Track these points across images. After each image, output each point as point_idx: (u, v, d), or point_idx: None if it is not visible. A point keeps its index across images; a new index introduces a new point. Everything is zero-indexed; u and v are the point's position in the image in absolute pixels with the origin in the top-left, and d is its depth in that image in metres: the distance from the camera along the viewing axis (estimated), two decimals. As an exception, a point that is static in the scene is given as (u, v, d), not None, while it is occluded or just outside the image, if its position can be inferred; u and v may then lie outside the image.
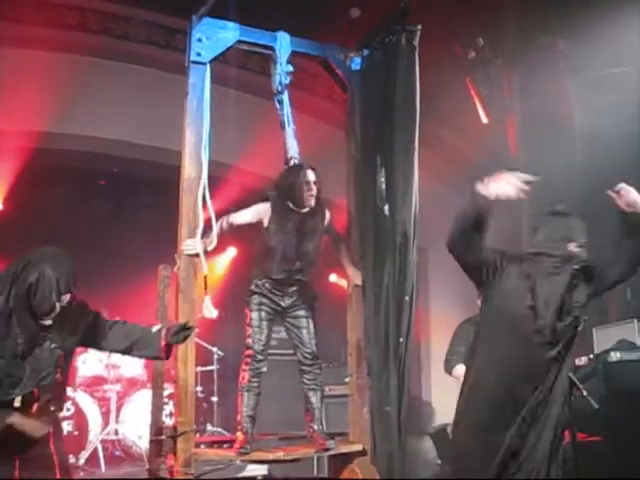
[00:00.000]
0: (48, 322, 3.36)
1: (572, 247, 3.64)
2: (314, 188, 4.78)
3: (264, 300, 4.82)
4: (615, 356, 6.23)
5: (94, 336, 3.68)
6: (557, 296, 3.61)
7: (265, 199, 4.87)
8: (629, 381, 5.89)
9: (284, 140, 5.09)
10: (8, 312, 3.27)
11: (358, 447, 4.91)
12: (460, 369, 5.54)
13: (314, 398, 4.88)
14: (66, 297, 3.38)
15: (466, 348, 5.47)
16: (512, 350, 3.63)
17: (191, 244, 4.54)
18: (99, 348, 3.94)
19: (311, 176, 4.80)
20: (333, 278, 8.97)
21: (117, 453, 7.43)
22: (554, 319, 3.59)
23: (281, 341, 6.23)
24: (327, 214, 4.97)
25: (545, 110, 7.72)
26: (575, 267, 3.64)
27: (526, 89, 8.09)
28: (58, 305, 3.34)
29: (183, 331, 3.76)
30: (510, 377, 3.62)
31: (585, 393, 4.68)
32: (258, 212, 4.86)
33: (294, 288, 4.87)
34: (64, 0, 7.44)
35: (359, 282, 5.07)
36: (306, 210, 4.82)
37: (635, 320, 6.88)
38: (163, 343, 3.71)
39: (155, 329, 3.78)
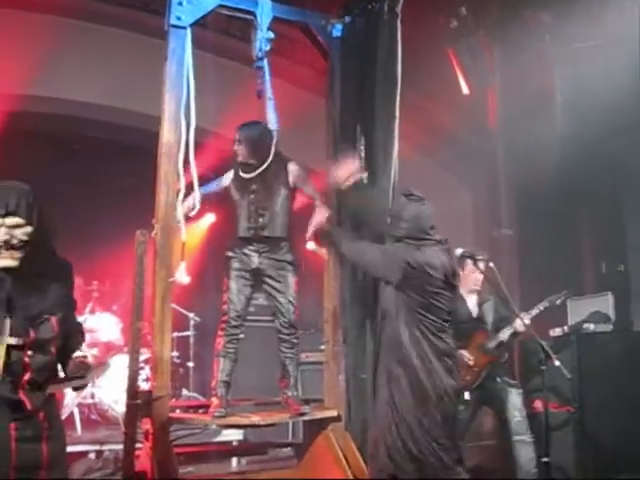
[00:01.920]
0: None
1: None
2: (238, 147, 4.92)
3: (238, 265, 4.89)
4: (589, 328, 6.34)
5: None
6: None
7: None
8: (601, 352, 6.00)
9: (264, 109, 5.10)
10: None
11: (333, 413, 4.96)
12: None
13: (290, 366, 4.93)
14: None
15: None
16: None
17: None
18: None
19: (236, 136, 4.96)
20: (310, 245, 8.94)
21: (93, 417, 7.45)
22: None
23: (259, 307, 6.24)
24: (291, 169, 5.01)
25: (527, 82, 7.73)
26: None
27: (508, 61, 8.08)
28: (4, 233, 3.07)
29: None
30: None
31: (558, 363, 4.79)
32: (224, 179, 5.06)
33: (265, 247, 4.90)
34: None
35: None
36: (262, 168, 4.90)
37: (609, 293, 6.98)
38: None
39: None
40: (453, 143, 9.00)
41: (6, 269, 3.11)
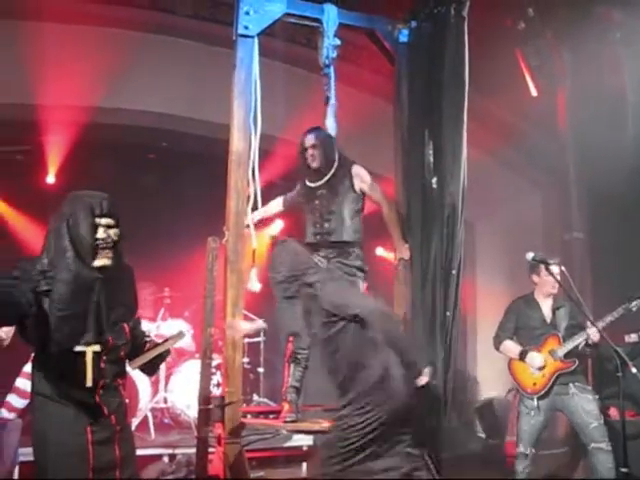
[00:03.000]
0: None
1: None
2: (313, 152, 4.91)
3: None
4: (667, 333, 6.15)
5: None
6: None
7: None
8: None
9: (324, 116, 5.13)
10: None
11: (403, 419, 4.92)
12: (508, 345, 5.63)
13: (360, 371, 4.91)
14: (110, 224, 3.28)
15: (514, 325, 5.67)
16: None
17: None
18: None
19: (309, 141, 4.94)
20: (380, 251, 8.95)
21: (166, 421, 7.57)
22: None
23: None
24: (355, 172, 5.00)
25: (597, 82, 7.57)
26: None
27: (577, 61, 7.93)
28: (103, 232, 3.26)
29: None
30: None
31: (635, 370, 4.63)
32: (295, 190, 5.14)
33: (333, 252, 4.91)
34: (112, -25, 7.48)
35: (406, 256, 5.05)
36: (329, 174, 4.92)
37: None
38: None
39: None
40: (523, 146, 8.86)
41: (100, 269, 3.23)
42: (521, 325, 5.66)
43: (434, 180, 4.96)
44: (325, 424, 4.69)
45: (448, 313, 4.89)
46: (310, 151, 4.93)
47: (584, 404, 5.36)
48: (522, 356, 5.49)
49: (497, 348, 5.74)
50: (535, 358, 5.43)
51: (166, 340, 3.74)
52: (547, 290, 5.60)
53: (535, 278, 5.64)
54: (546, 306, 5.66)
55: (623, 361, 4.65)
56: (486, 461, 6.94)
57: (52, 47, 7.02)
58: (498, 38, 7.60)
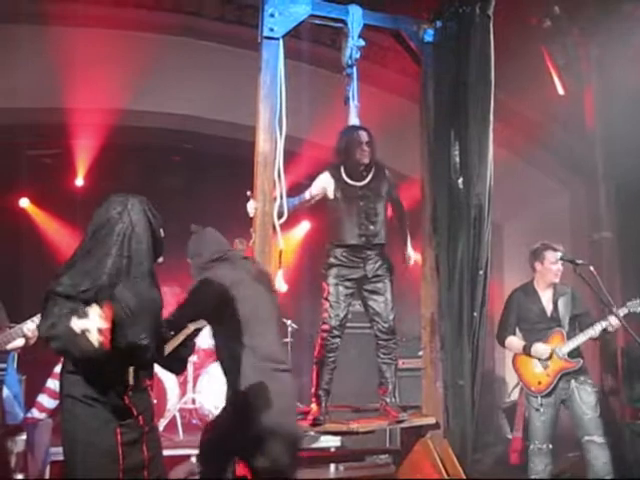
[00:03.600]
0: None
1: None
2: (367, 149, 4.89)
3: (344, 272, 4.88)
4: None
5: None
6: None
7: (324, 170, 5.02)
8: None
9: (347, 116, 5.12)
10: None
11: (431, 420, 4.93)
12: (512, 341, 5.45)
13: (388, 372, 4.92)
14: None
15: (516, 319, 5.47)
16: None
17: (251, 207, 4.66)
18: None
19: (364, 137, 4.91)
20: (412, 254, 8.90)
21: (194, 421, 7.61)
22: None
23: (355, 314, 6.25)
24: (388, 177, 5.03)
25: (625, 80, 7.49)
26: None
27: (605, 59, 7.85)
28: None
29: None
30: None
31: None
32: (320, 184, 5.00)
33: (374, 253, 4.90)
34: (139, -20, 7.54)
35: (411, 261, 5.17)
36: (369, 175, 4.92)
37: None
38: None
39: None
40: (550, 145, 8.78)
41: None
42: (522, 318, 5.46)
43: (460, 181, 4.97)
44: (353, 425, 4.70)
45: (475, 314, 4.90)
46: (365, 147, 4.90)
47: (582, 395, 5.21)
48: (526, 350, 5.30)
49: (502, 344, 5.54)
50: (540, 349, 5.24)
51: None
52: (549, 279, 5.41)
53: (538, 266, 5.44)
54: (546, 297, 5.45)
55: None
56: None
57: (80, 51, 7.08)
58: (524, 37, 7.55)
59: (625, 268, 8.10)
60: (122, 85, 7.26)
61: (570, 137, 8.65)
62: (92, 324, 2.81)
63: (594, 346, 6.25)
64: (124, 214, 3.19)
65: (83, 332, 2.81)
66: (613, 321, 5.13)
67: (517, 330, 5.51)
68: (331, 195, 4.96)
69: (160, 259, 3.36)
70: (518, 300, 5.51)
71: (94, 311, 2.83)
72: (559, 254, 5.26)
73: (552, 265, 5.34)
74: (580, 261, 5.15)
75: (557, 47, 8.02)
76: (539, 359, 5.26)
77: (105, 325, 2.83)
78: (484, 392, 5.30)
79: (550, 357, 5.23)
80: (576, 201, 9.20)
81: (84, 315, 2.85)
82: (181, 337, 3.51)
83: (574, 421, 5.26)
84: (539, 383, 5.27)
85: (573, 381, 5.27)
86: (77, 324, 2.84)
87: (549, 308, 5.42)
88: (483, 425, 6.26)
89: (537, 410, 5.23)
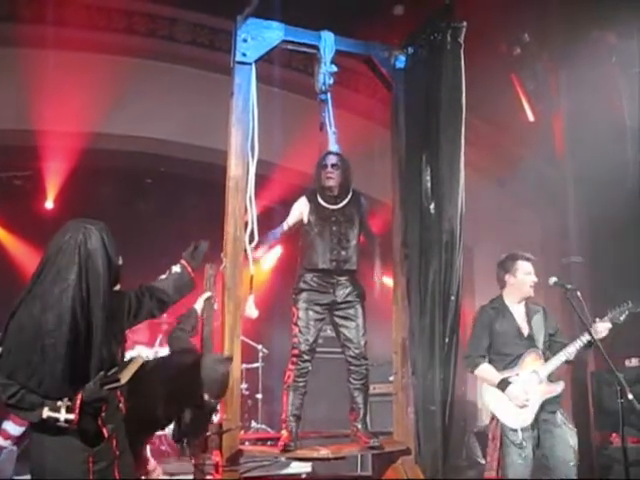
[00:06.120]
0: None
1: None
2: (333, 171, 4.94)
3: (314, 297, 4.87)
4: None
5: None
6: None
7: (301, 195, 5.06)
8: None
9: (326, 142, 5.14)
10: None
11: (402, 446, 4.90)
12: (484, 370, 4.86)
13: (359, 397, 4.89)
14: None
15: (488, 342, 4.89)
16: None
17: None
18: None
19: (331, 160, 4.97)
20: (380, 278, 8.90)
21: (163, 448, 7.50)
22: None
23: (327, 339, 6.24)
24: (363, 203, 5.09)
25: (594, 106, 7.60)
26: None
27: (574, 85, 7.97)
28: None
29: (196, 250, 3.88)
30: None
31: (631, 396, 4.38)
32: (298, 209, 5.05)
33: (345, 279, 4.91)
34: (110, 3, 7.54)
35: (379, 281, 5.15)
36: (345, 200, 4.95)
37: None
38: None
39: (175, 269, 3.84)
40: (521, 170, 8.88)
41: None
42: (494, 340, 4.87)
43: (432, 206, 4.97)
44: (324, 451, 4.66)
45: (447, 339, 4.87)
46: (330, 169, 4.95)
47: (569, 439, 4.72)
48: (501, 387, 4.72)
49: (471, 370, 4.91)
50: (517, 395, 4.68)
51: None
52: (524, 292, 4.95)
53: (510, 279, 4.97)
54: (519, 314, 4.95)
55: (623, 387, 4.54)
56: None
57: (51, 73, 7.06)
58: (495, 63, 7.65)
59: (595, 294, 8.15)
60: (94, 108, 7.23)
61: (541, 162, 8.76)
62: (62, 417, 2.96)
63: (567, 370, 6.25)
64: (80, 241, 3.13)
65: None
66: (600, 327, 4.76)
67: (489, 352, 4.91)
68: (305, 219, 4.99)
69: (117, 286, 3.30)
70: (490, 320, 4.92)
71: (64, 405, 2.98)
72: (530, 264, 4.94)
73: (526, 276, 4.93)
74: (570, 285, 4.80)
75: (527, 73, 8.15)
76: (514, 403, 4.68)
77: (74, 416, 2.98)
78: (455, 416, 5.26)
79: (527, 404, 4.68)
80: (547, 224, 9.30)
81: (55, 410, 2.98)
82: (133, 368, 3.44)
83: (553, 462, 4.68)
84: (519, 414, 4.70)
85: (559, 414, 4.79)
86: (47, 413, 2.96)
87: (524, 327, 4.90)
88: (455, 450, 6.24)
89: (519, 446, 4.63)
